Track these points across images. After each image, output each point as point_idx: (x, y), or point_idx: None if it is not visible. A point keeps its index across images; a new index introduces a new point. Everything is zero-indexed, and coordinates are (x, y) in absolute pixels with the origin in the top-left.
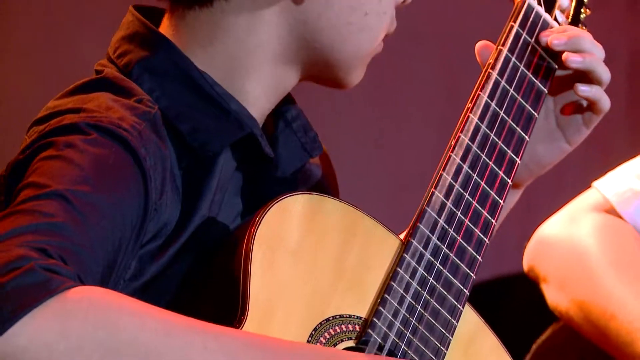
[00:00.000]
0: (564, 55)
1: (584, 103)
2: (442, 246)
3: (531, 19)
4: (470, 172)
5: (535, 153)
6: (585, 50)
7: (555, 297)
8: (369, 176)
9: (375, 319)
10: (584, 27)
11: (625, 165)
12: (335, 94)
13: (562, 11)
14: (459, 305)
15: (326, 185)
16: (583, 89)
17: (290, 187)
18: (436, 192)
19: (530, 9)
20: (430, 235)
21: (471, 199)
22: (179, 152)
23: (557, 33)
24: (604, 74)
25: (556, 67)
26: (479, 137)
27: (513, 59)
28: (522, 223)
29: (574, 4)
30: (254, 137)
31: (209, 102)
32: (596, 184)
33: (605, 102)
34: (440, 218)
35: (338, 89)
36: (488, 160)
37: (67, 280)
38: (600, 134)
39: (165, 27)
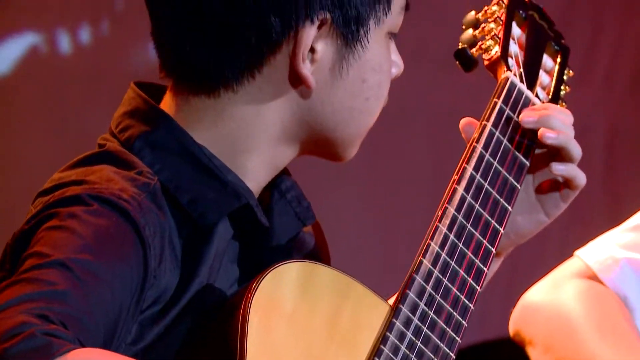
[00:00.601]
0: (539, 132)
1: (561, 179)
2: (429, 312)
3: (514, 95)
4: (457, 241)
5: (516, 224)
6: (554, 128)
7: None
8: (361, 242)
9: None
10: (564, 104)
11: (606, 234)
12: (327, 165)
13: (543, 88)
14: None
15: (319, 253)
16: (558, 167)
17: (285, 255)
18: (424, 260)
19: (512, 86)
20: (418, 301)
21: (457, 267)
22: (178, 222)
23: (529, 111)
24: (576, 150)
25: (537, 141)
26: (464, 208)
27: (497, 133)
28: (508, 290)
29: (554, 81)
30: (250, 208)
31: (207, 174)
32: (578, 252)
33: (580, 179)
34: (427, 285)
35: (333, 162)
36: (473, 230)
37: (67, 343)
38: (579, 205)
39: (167, 104)
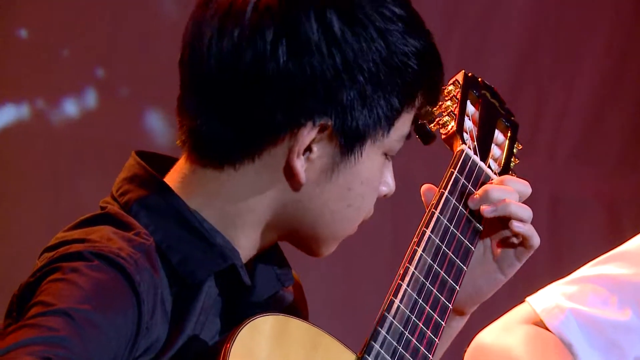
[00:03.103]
0: (480, 210)
1: (516, 240)
2: None
3: (468, 166)
4: (417, 297)
5: (476, 283)
6: (492, 200)
7: None
8: (331, 296)
9: None
10: (513, 174)
11: (553, 285)
12: None
13: (495, 160)
14: None
15: (296, 310)
16: (517, 224)
17: (263, 310)
18: (387, 314)
19: (467, 157)
20: (381, 351)
21: (417, 321)
22: (169, 279)
23: (473, 195)
24: (521, 211)
25: None
26: (424, 267)
27: (453, 200)
28: (464, 328)
29: (505, 154)
30: (235, 268)
31: (197, 236)
32: (529, 299)
33: (535, 238)
34: (389, 336)
35: (309, 255)
36: (432, 287)
37: None
38: (527, 262)
39: (177, 169)
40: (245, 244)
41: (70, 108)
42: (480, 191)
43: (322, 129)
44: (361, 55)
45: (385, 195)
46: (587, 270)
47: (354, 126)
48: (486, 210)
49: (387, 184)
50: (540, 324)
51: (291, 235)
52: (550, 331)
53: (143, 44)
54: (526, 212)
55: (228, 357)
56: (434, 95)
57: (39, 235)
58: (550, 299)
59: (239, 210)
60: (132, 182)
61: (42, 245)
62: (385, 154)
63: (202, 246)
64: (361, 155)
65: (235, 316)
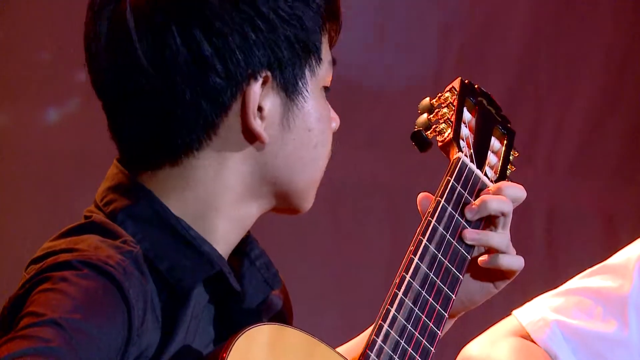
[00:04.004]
0: (463, 234)
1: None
2: None
3: (465, 174)
4: (412, 306)
5: (469, 292)
6: (493, 210)
7: None
8: (326, 306)
9: None
10: (509, 181)
11: (540, 297)
12: (298, 237)
13: (491, 167)
14: None
15: (285, 313)
16: (491, 261)
17: (256, 316)
18: (384, 324)
19: (464, 165)
20: (376, 359)
21: (413, 330)
22: (158, 287)
23: (470, 205)
24: (500, 243)
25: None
26: (420, 276)
27: (449, 208)
28: (457, 340)
29: (501, 161)
30: (223, 274)
31: (184, 244)
32: (515, 312)
33: (516, 265)
34: (385, 345)
35: (293, 215)
36: (428, 296)
37: None
38: (523, 273)
39: (142, 179)
40: (229, 226)
41: (57, 115)
42: (477, 201)
43: (264, 82)
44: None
45: (334, 129)
46: (574, 283)
47: (291, 67)
48: (468, 236)
49: (334, 118)
50: (526, 336)
51: (271, 200)
52: (536, 344)
53: None
54: (503, 241)
55: None
56: (336, 10)
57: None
58: (536, 312)
59: (214, 193)
60: (116, 191)
61: (33, 253)
62: (324, 87)
63: (190, 253)
64: (307, 92)
65: (228, 323)
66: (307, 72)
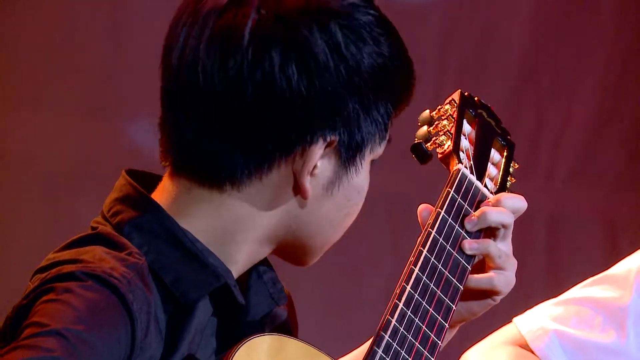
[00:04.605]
0: (461, 245)
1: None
2: None
3: (465, 185)
4: (413, 317)
5: (468, 303)
6: (493, 222)
7: None
8: (328, 314)
9: None
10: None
11: (540, 306)
12: None
13: (491, 179)
14: None
15: (290, 326)
16: (485, 281)
17: (259, 329)
18: (385, 335)
19: (463, 177)
20: None
21: (414, 340)
22: (163, 299)
23: (470, 216)
24: (498, 254)
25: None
26: (420, 287)
27: (449, 220)
28: (456, 344)
29: (501, 173)
30: (228, 287)
31: (189, 256)
32: (516, 319)
33: (509, 284)
34: (386, 356)
35: (292, 264)
36: (428, 307)
37: None
38: (524, 282)
39: (163, 190)
40: (240, 258)
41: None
42: (477, 213)
43: (328, 145)
44: (361, 63)
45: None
46: (574, 292)
47: (359, 137)
48: (467, 246)
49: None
50: (525, 345)
51: (284, 247)
52: (534, 353)
53: (140, 60)
54: (501, 255)
55: None
56: (410, 94)
57: (34, 255)
58: (536, 321)
59: (240, 228)
60: (123, 203)
61: (36, 264)
62: (372, 161)
63: (195, 266)
64: (362, 166)
65: (231, 336)
66: (369, 148)
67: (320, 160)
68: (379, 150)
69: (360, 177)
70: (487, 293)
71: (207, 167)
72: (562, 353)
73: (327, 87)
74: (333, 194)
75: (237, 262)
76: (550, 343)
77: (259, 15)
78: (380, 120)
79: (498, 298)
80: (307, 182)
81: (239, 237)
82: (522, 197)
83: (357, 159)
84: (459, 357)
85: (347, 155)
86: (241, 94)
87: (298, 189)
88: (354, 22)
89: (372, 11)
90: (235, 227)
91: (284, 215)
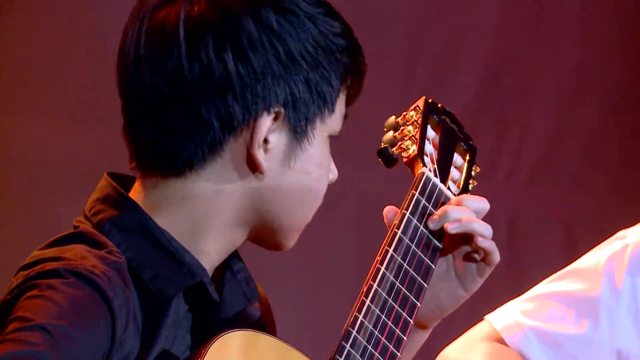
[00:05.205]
0: (444, 227)
1: (478, 257)
2: None
3: (429, 188)
4: (379, 313)
5: (438, 299)
6: (454, 219)
7: None
8: (299, 311)
9: None
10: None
11: (511, 302)
12: (273, 259)
13: (454, 182)
14: None
15: (264, 324)
16: (481, 240)
17: (232, 326)
18: (353, 331)
19: (428, 180)
20: None
21: (380, 336)
22: (140, 296)
23: (432, 216)
24: (483, 228)
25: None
26: (386, 285)
27: (414, 220)
28: (427, 346)
29: (463, 176)
30: (203, 285)
31: (166, 254)
32: (488, 317)
33: (496, 254)
34: (353, 350)
35: (274, 251)
36: (394, 304)
37: None
38: (487, 280)
39: (136, 191)
40: (214, 249)
41: (50, 128)
42: (439, 211)
43: (275, 118)
44: (299, 41)
45: (330, 181)
46: (543, 287)
47: (304, 110)
48: (451, 226)
49: (332, 170)
50: (500, 340)
51: (256, 230)
52: (508, 346)
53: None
54: (487, 229)
55: None
56: (361, 72)
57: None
58: (510, 317)
59: (207, 214)
60: (104, 203)
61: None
62: (330, 136)
63: (172, 264)
64: (314, 137)
65: (205, 332)
66: (318, 119)
67: (271, 135)
68: (334, 125)
69: (316, 149)
70: (476, 262)
71: (165, 159)
72: (538, 347)
73: (264, 67)
74: (291, 167)
75: (211, 253)
76: (525, 338)
77: (191, 7)
78: (324, 94)
79: (474, 287)
80: (260, 156)
81: (208, 225)
82: (484, 199)
83: (308, 130)
84: (435, 357)
85: (297, 127)
86: (183, 86)
87: (254, 165)
88: (287, 2)
89: None
90: (203, 214)
91: (247, 193)
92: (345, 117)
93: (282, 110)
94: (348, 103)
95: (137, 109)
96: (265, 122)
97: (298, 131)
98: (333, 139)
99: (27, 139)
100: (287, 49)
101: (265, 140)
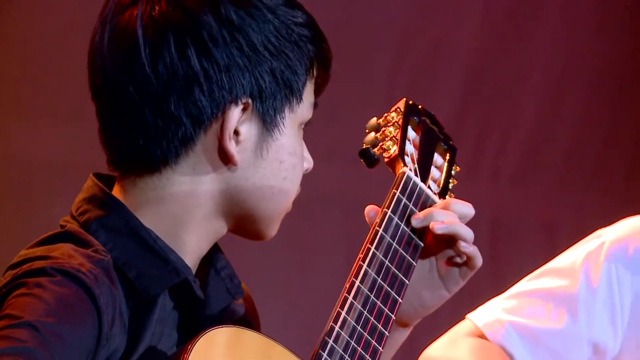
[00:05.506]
0: (430, 226)
1: (460, 260)
2: None
3: (409, 187)
4: (362, 309)
5: (421, 298)
6: (439, 220)
7: None
8: (285, 308)
9: None
10: (451, 194)
11: (492, 300)
12: (256, 255)
13: (435, 181)
14: None
15: (248, 321)
16: (463, 245)
17: (217, 323)
18: (335, 325)
19: (408, 179)
20: (328, 358)
21: (362, 331)
22: (126, 293)
23: (416, 214)
24: (465, 232)
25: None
26: (368, 281)
27: (395, 218)
28: (410, 345)
29: (443, 175)
30: (188, 283)
31: (152, 253)
32: (470, 315)
33: (479, 259)
34: (336, 345)
35: (257, 241)
36: (376, 300)
37: None
38: (470, 284)
39: (117, 191)
40: (196, 241)
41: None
42: (424, 212)
43: (244, 109)
44: (260, 33)
45: (306, 170)
46: (523, 285)
47: (271, 100)
48: (436, 226)
49: (307, 159)
50: (482, 337)
51: (236, 221)
52: (491, 342)
53: None
54: (469, 233)
55: None
56: (327, 61)
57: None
58: (491, 314)
59: (186, 208)
60: (90, 203)
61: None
62: (301, 124)
63: (157, 263)
64: (284, 126)
65: (191, 328)
66: (286, 108)
67: (241, 126)
68: (304, 113)
69: (287, 138)
70: (459, 266)
71: (139, 158)
72: (519, 341)
73: (228, 61)
74: (263, 156)
75: (194, 246)
76: (507, 333)
77: (151, 8)
78: (290, 83)
79: (455, 287)
80: (232, 148)
81: (188, 219)
82: (470, 205)
83: (278, 120)
84: (419, 355)
85: (266, 117)
86: (150, 86)
87: (226, 157)
88: None
89: None
90: (182, 209)
91: (222, 184)
92: (315, 105)
93: (250, 101)
94: (317, 92)
95: (109, 111)
96: (234, 114)
97: (268, 121)
98: (305, 127)
99: (24, 139)
100: (249, 41)
101: (236, 132)
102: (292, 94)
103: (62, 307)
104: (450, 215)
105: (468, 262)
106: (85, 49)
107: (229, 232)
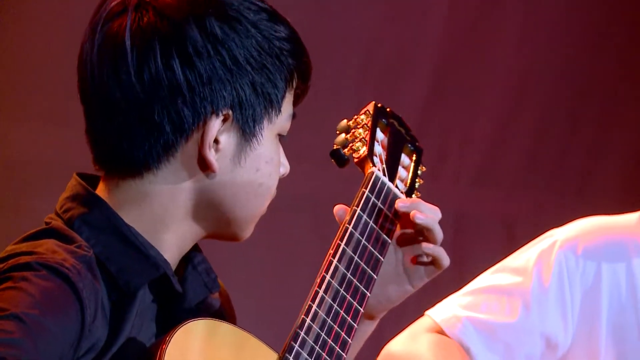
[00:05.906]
0: (411, 213)
1: (427, 258)
2: (309, 359)
3: (378, 186)
4: (332, 303)
5: (387, 292)
6: (423, 212)
7: None
8: (258, 301)
9: None
10: (418, 193)
11: (449, 297)
12: (231, 254)
13: (402, 180)
14: None
15: (224, 314)
16: (428, 246)
17: (194, 316)
18: (306, 318)
19: (377, 178)
20: (301, 350)
21: (332, 324)
22: (108, 287)
23: (403, 200)
24: (440, 233)
25: (396, 222)
26: (338, 276)
27: (364, 216)
28: (375, 341)
29: (410, 175)
30: (167, 277)
31: (132, 249)
32: (428, 312)
33: (445, 260)
34: (307, 337)
35: (233, 242)
36: (345, 294)
37: None
38: (434, 278)
39: (101, 190)
40: (175, 242)
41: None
42: (410, 200)
43: (224, 120)
44: (243, 47)
45: (282, 175)
46: (479, 282)
47: (251, 112)
48: (417, 216)
49: (284, 165)
50: (441, 332)
51: (213, 224)
52: (449, 337)
53: None
54: (441, 234)
55: (164, 357)
56: (307, 73)
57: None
58: (448, 310)
59: (166, 211)
60: (74, 201)
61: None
62: (279, 135)
63: (138, 258)
64: (262, 137)
65: (169, 321)
66: (265, 119)
67: (221, 135)
68: (283, 123)
69: (265, 148)
70: (425, 264)
71: (122, 161)
72: (476, 335)
73: (211, 73)
74: (241, 164)
75: (173, 246)
76: (464, 328)
77: (140, 18)
78: (270, 96)
79: (420, 283)
80: (211, 156)
81: (168, 221)
82: (437, 208)
83: (256, 130)
84: (380, 350)
85: (245, 127)
86: (135, 93)
87: (205, 164)
88: (231, 10)
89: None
90: (162, 210)
91: (201, 190)
92: (294, 116)
93: (230, 112)
94: (295, 103)
95: (96, 115)
96: (215, 124)
97: (247, 131)
98: (282, 138)
99: (20, 141)
100: (231, 54)
101: (216, 141)
102: (272, 106)
103: (47, 300)
104: (434, 212)
105: (435, 262)
106: (76, 53)
107: (206, 237)
